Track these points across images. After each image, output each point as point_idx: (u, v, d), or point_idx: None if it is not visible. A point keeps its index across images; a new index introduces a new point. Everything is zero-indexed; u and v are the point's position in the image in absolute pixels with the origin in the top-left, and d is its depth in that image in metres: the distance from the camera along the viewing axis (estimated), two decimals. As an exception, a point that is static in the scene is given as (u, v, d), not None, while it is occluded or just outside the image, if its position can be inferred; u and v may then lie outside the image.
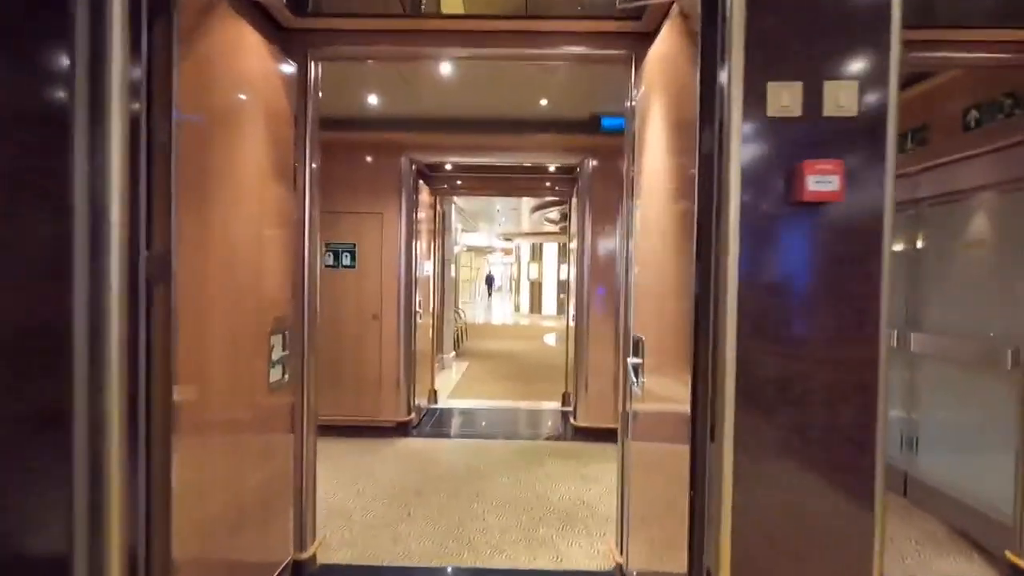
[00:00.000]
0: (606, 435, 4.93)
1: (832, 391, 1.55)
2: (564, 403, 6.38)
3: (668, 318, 2.00)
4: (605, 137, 4.84)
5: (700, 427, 1.66)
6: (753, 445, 1.55)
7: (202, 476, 1.85)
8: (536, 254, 19.77)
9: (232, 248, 2.04)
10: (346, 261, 5.10)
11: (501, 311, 23.06)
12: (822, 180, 1.49)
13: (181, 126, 1.65)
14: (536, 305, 19.69)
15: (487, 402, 6.59)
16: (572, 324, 5.58)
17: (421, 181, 5.70)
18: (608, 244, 5.12)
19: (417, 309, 5.43)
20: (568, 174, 6.06)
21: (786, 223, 1.54)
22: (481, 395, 6.98)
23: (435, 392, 6.45)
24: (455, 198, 9.16)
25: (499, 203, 12.11)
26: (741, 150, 1.52)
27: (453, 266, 9.14)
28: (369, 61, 3.30)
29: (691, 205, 1.67)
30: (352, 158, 5.08)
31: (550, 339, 13.38)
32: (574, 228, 5.77)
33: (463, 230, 17.84)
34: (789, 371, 1.55)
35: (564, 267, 19.26)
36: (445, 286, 8.81)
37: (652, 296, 2.36)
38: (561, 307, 19.17)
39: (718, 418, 1.55)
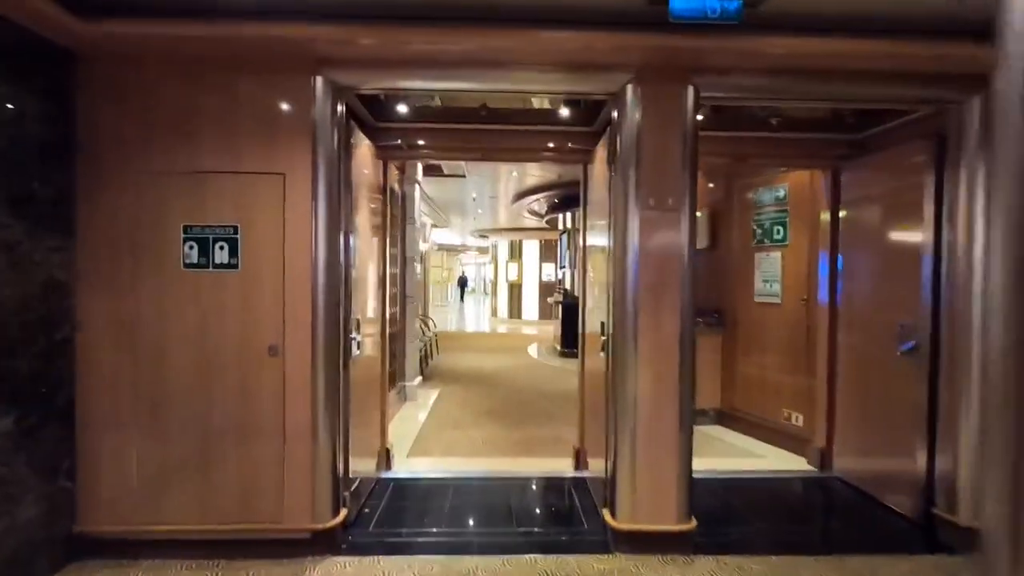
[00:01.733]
0: (667, 543, 2.95)
1: None
2: (578, 463, 4.36)
3: None
4: (669, 36, 2.83)
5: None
6: None
7: None
8: (515, 252, 17.74)
9: None
10: (220, 257, 2.97)
11: (477, 316, 20.98)
12: None
13: None
14: (516, 309, 17.66)
15: (465, 464, 4.51)
16: (604, 352, 3.56)
17: (361, 133, 3.59)
18: (670, 235, 3.10)
19: (353, 335, 3.33)
20: (587, 124, 4.04)
21: None
22: (456, 448, 4.90)
23: (388, 452, 4.34)
24: (420, 178, 7.03)
25: (474, 189, 10.03)
26: None
27: (419, 266, 7.03)
28: None
29: None
30: (225, 77, 2.94)
31: (537, 352, 11.35)
32: (599, 209, 3.76)
33: (433, 225, 15.70)
34: None
35: (548, 266, 17.26)
36: (408, 293, 6.69)
37: None
38: (546, 311, 17.18)
39: None
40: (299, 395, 2.98)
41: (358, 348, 3.44)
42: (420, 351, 8.01)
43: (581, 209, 4.50)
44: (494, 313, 18.46)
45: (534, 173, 8.41)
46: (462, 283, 27.45)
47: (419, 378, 7.02)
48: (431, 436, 5.25)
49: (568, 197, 9.82)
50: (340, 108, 3.10)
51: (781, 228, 5.05)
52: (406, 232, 6.67)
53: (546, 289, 17.30)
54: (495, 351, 11.25)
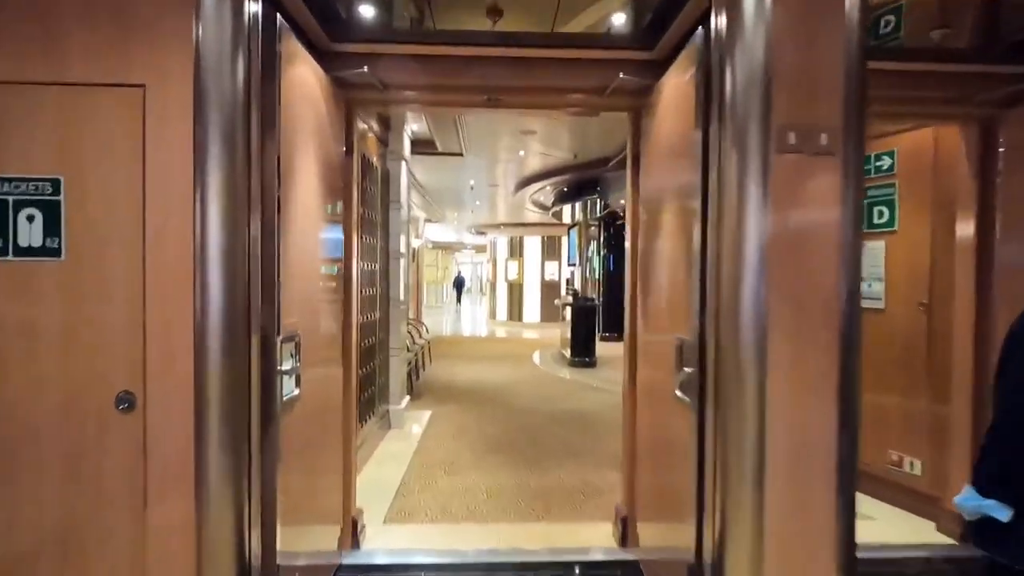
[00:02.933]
0: None
1: None
2: (625, 535, 3.07)
3: None
4: None
5: None
6: None
7: None
8: (515, 250, 16.46)
9: None
10: (27, 236, 1.67)
11: (474, 319, 19.70)
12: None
13: None
14: (516, 311, 16.38)
15: (463, 536, 3.22)
16: (687, 387, 2.26)
17: (299, 46, 2.28)
18: (823, 198, 1.81)
19: (286, 365, 2.03)
20: (645, 47, 2.73)
21: None
22: (452, 505, 3.61)
23: (356, 522, 3.05)
24: (407, 154, 5.73)
25: (473, 174, 8.74)
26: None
27: (404, 262, 5.75)
28: None
29: None
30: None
31: (542, 360, 10.06)
32: (664, 173, 2.50)
33: (427, 220, 14.41)
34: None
35: (551, 265, 15.98)
36: (391, 295, 5.40)
37: None
38: (549, 313, 15.89)
39: None
40: (173, 480, 1.69)
41: (296, 385, 2.15)
42: (409, 364, 6.72)
43: (629, 178, 3.20)
44: (492, 315, 17.17)
45: (543, 152, 7.12)
46: (458, 283, 26.05)
47: (406, 398, 5.73)
48: (418, 487, 3.95)
49: (581, 184, 8.55)
50: (255, -11, 1.80)
51: (886, 209, 3.78)
52: (390, 220, 5.38)
53: (549, 289, 16.02)
54: (495, 359, 9.96)
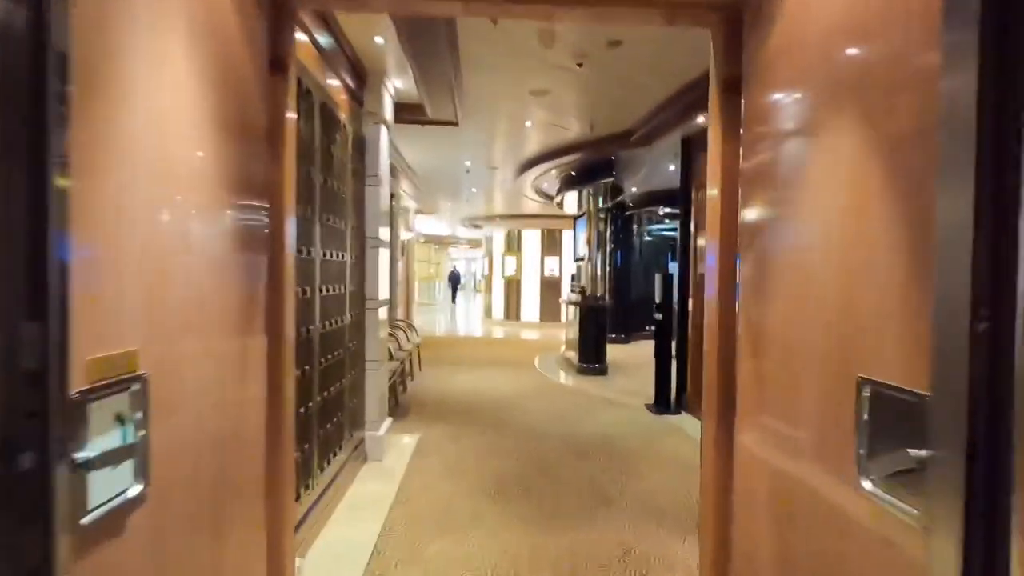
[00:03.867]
0: None
1: None
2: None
3: None
4: None
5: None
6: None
7: None
8: (512, 244, 15.38)
9: None
10: None
11: (469, 318, 18.61)
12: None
13: None
14: (513, 310, 15.31)
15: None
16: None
17: None
18: None
19: (110, 439, 0.93)
20: None
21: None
22: (444, 597, 2.54)
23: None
24: (389, 117, 4.62)
25: (469, 152, 7.64)
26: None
27: (386, 252, 4.66)
28: None
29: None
30: None
31: (545, 366, 8.99)
32: (803, 104, 1.40)
33: (418, 211, 13.28)
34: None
35: (552, 260, 14.91)
36: (367, 294, 4.31)
37: None
38: (550, 312, 14.84)
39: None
40: None
41: (138, 476, 1.07)
42: (393, 375, 5.63)
43: (718, 127, 2.13)
44: (488, 314, 16.08)
45: (553, 122, 6.03)
46: (454, 279, 24.77)
47: (388, 421, 4.65)
48: (397, 557, 2.87)
49: (593, 166, 7.46)
50: None
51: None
52: (366, 198, 4.28)
53: (549, 286, 14.97)
54: (493, 365, 8.88)
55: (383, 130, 4.42)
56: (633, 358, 9.74)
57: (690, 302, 5.88)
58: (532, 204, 12.48)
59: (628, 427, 5.31)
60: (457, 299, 23.31)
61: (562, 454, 4.48)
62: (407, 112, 5.06)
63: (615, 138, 6.18)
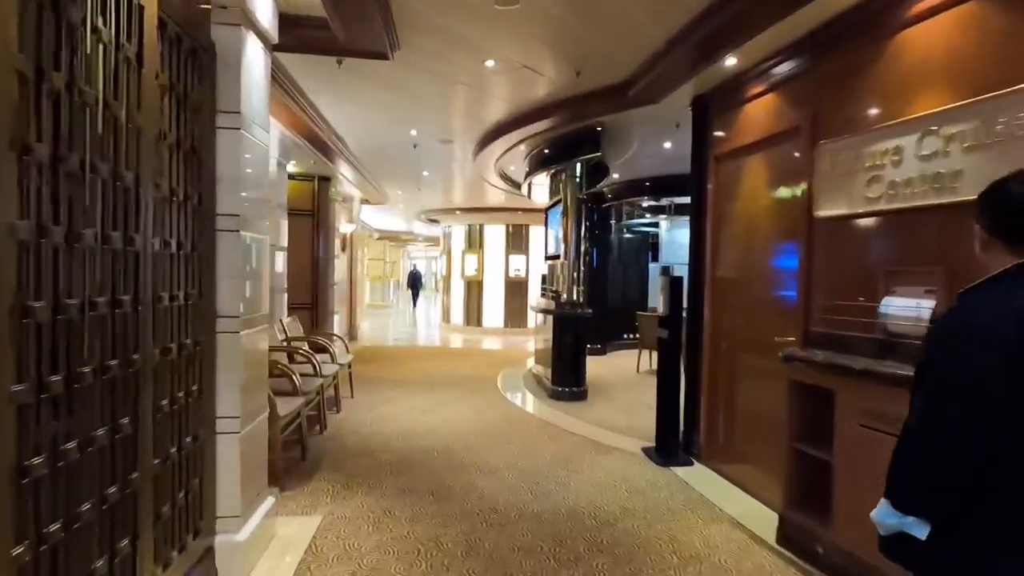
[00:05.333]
0: None
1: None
2: None
3: None
4: None
5: None
6: None
7: None
8: (474, 240, 13.73)
9: None
10: None
11: (427, 323, 16.89)
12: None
13: None
14: (474, 314, 13.66)
15: None
16: None
17: None
18: None
19: None
20: None
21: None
22: None
23: None
24: (260, 19, 2.92)
25: (413, 118, 5.93)
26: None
27: (261, 241, 2.96)
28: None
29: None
30: None
31: (510, 386, 7.40)
32: None
33: (364, 200, 11.50)
34: None
35: (517, 259, 13.36)
36: (219, 307, 2.58)
37: None
38: (515, 317, 13.25)
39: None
40: None
41: None
42: (295, 421, 3.94)
43: None
44: (446, 319, 14.38)
45: (525, 64, 4.41)
46: (414, 281, 20.78)
47: (266, 502, 2.95)
48: None
49: (573, 138, 5.89)
50: None
51: None
52: (217, 149, 2.57)
53: (515, 288, 13.39)
54: (446, 385, 7.21)
55: (251, 41, 2.72)
56: (614, 374, 8.23)
57: (706, 312, 4.39)
58: (496, 195, 10.86)
59: (628, 493, 3.75)
60: (419, 303, 20.81)
61: (537, 558, 2.87)
62: (308, 29, 3.36)
63: (606, 93, 4.61)
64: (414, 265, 23.95)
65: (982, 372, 1.04)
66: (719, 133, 4.31)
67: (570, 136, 5.87)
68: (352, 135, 6.69)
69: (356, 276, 11.13)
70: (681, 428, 4.55)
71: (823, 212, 3.10)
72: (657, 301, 11.88)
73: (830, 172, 3.06)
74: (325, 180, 8.84)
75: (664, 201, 9.38)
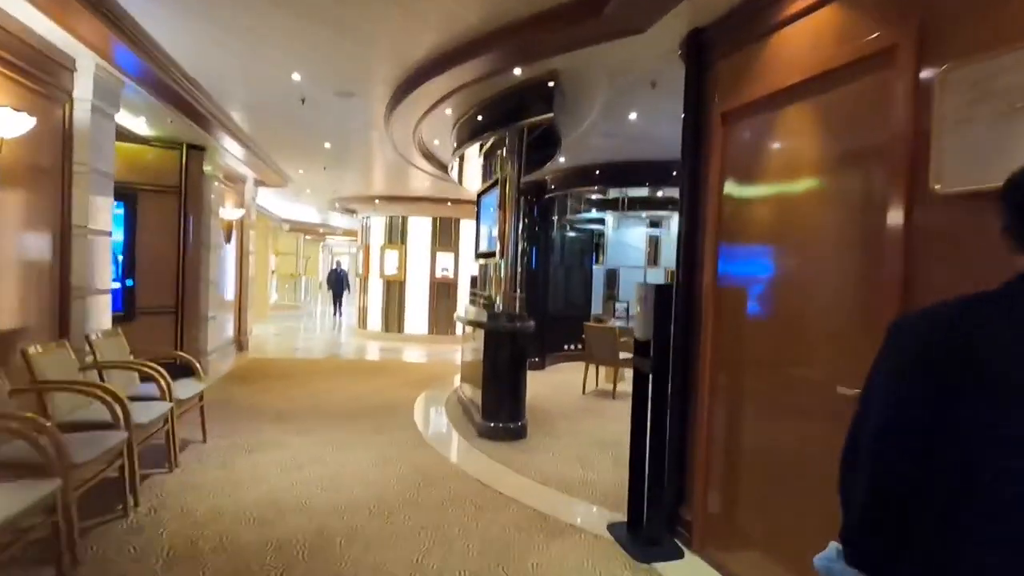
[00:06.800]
0: None
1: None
2: None
3: None
4: None
5: None
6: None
7: None
8: (395, 234, 12.02)
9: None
10: None
11: (341, 330, 14.96)
12: None
13: None
14: (394, 319, 11.94)
15: None
16: None
17: None
18: None
19: None
20: None
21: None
22: None
23: None
24: None
25: (294, 57, 4.23)
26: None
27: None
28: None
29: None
30: None
31: (431, 418, 5.86)
32: None
33: (259, 182, 9.55)
34: None
35: (445, 257, 11.81)
36: None
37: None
38: (441, 322, 11.67)
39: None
40: None
41: None
42: (50, 507, 2.21)
43: None
44: (362, 324, 12.56)
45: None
46: (336, 281, 16.68)
47: None
48: None
49: (518, 95, 4.43)
50: None
51: None
52: None
53: (442, 290, 11.80)
54: (347, 418, 5.56)
55: None
56: (557, 395, 6.88)
57: (704, 337, 3.06)
58: (421, 181, 9.26)
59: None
60: (343, 307, 16.45)
61: None
62: None
63: (569, 14, 3.12)
64: (337, 262, 21.23)
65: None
66: (728, 81, 3.00)
67: (513, 94, 4.41)
68: (208, 77, 4.89)
69: (245, 273, 9.14)
70: (663, 488, 3.21)
71: (949, 188, 1.82)
72: (599, 307, 10.81)
73: (965, 117, 1.78)
74: (197, 149, 6.90)
75: (615, 193, 8.15)
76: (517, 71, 3.93)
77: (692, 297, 3.18)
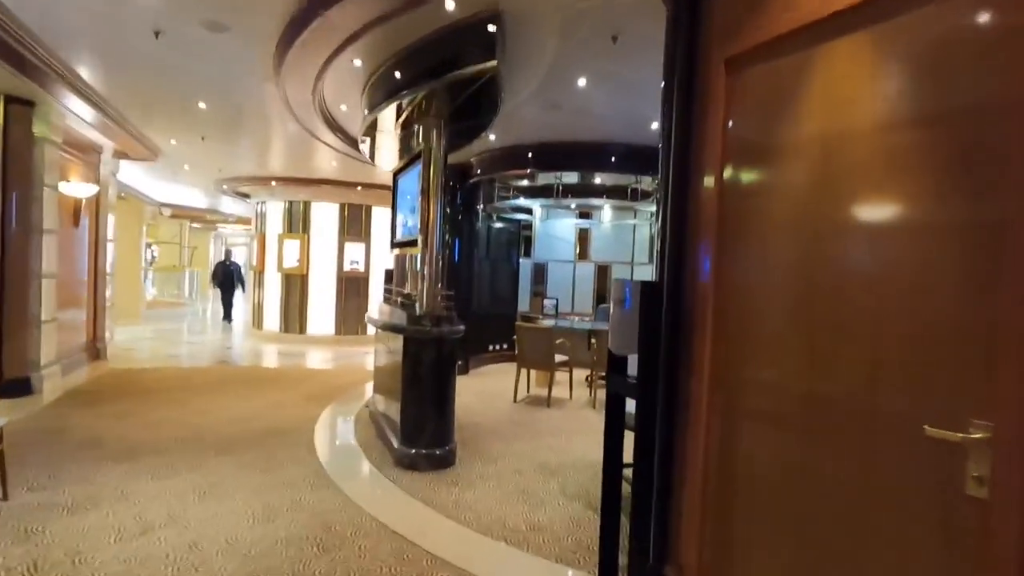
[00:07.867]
0: None
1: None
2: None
3: None
4: None
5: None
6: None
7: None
8: (296, 222, 10.60)
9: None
10: None
11: (231, 330, 13.18)
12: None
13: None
14: (295, 318, 10.53)
15: None
16: None
17: None
18: None
19: None
20: None
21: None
22: None
23: None
24: None
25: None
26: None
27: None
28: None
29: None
30: None
31: (342, 447, 4.84)
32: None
33: (120, 152, 7.86)
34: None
35: (355, 248, 10.62)
36: None
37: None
38: (348, 322, 10.44)
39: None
40: None
41: None
42: None
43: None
44: (257, 324, 11.01)
45: None
46: (225, 275, 13.61)
47: None
48: None
49: (445, 45, 3.50)
50: None
51: None
52: None
53: (351, 285, 10.56)
54: (225, 449, 4.37)
55: None
56: (486, 407, 6.04)
57: (699, 350, 2.35)
58: (327, 160, 8.03)
59: None
60: (235, 307, 13.65)
61: None
62: None
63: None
64: (227, 253, 18.51)
65: None
66: (734, 14, 2.29)
67: (443, 40, 3.48)
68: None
69: (102, 265, 7.45)
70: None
71: None
72: (527, 304, 10.10)
73: None
74: (21, 104, 5.32)
75: (548, 179, 7.43)
76: (450, 3, 3.01)
77: (679, 302, 2.46)
